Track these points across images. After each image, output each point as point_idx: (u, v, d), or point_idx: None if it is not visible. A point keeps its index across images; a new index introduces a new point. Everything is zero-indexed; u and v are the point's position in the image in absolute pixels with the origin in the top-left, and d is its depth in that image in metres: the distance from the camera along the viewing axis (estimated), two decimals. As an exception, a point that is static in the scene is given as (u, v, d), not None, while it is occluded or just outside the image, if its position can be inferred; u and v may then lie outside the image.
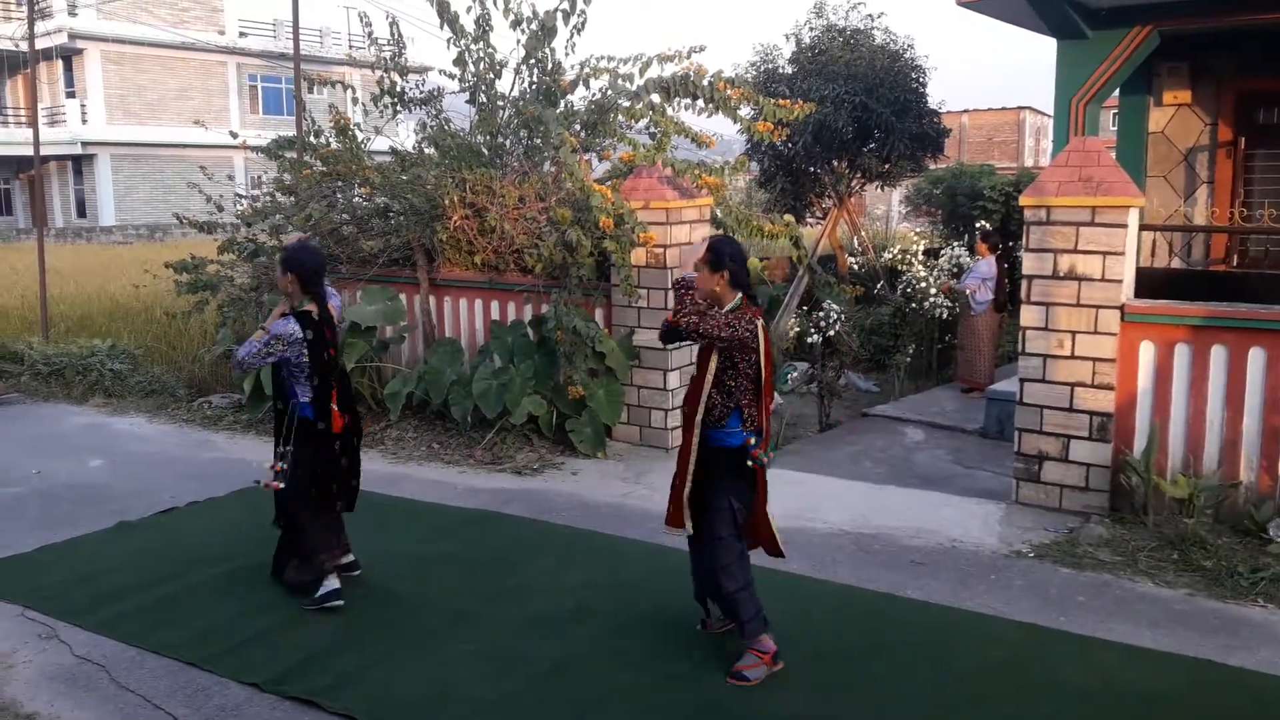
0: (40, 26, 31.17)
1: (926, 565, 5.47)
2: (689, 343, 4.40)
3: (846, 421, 9.25)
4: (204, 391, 9.95)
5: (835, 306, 9.79)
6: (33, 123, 14.69)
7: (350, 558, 5.35)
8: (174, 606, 5.03)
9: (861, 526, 6.08)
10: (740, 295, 4.26)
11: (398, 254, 9.00)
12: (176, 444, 8.41)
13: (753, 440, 4.24)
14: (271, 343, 4.95)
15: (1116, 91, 10.41)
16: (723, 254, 4.22)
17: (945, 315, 10.41)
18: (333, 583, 5.06)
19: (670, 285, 6.27)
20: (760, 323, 4.20)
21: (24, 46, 16.62)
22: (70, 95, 37.87)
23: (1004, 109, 39.37)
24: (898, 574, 5.35)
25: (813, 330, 9.67)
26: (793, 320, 11.14)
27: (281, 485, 5.07)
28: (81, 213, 38.70)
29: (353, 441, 5.30)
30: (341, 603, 5.02)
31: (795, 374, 10.92)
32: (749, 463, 4.24)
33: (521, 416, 7.69)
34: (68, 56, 37.46)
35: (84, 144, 36.76)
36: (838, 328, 9.69)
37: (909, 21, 17.81)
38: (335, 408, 5.12)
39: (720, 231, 8.57)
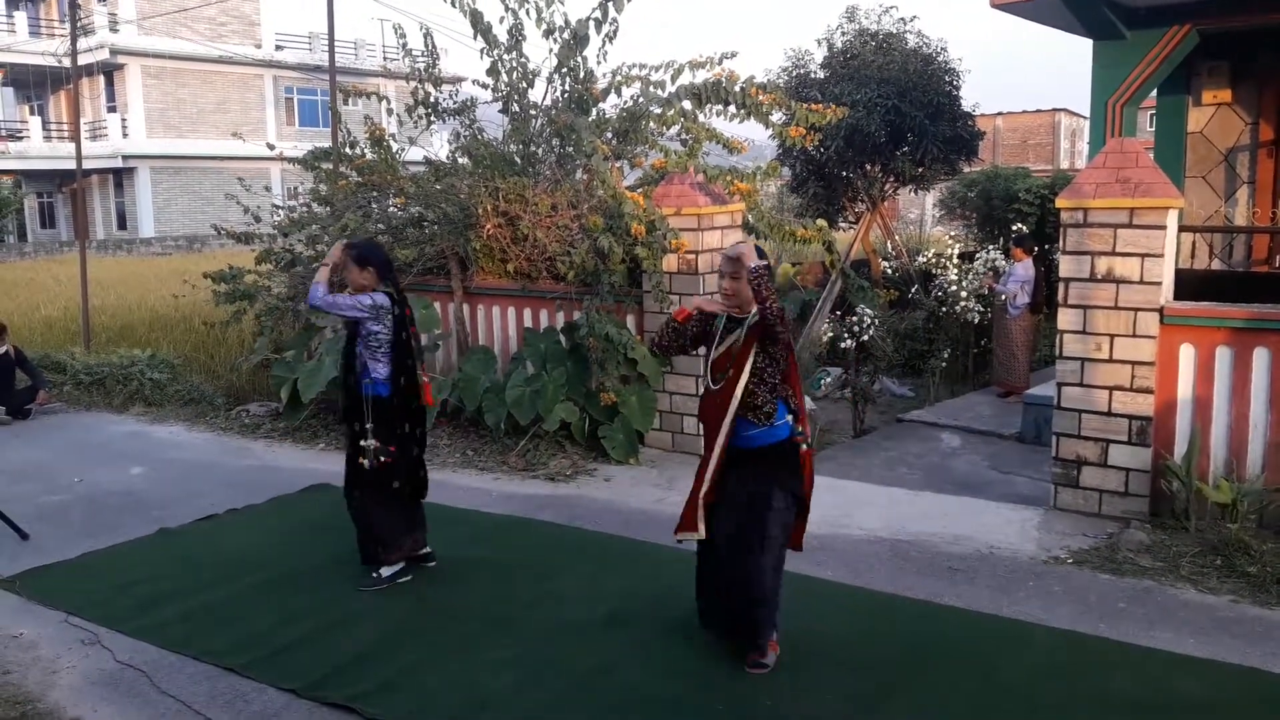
0: (82, 43, 31.73)
1: (964, 572, 5.42)
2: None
3: (881, 427, 9.18)
4: (241, 400, 10.07)
5: (869, 311, 9.73)
6: (75, 137, 14.98)
7: (427, 549, 5.56)
8: (214, 612, 5.09)
9: (898, 533, 6.03)
10: None
11: (432, 263, 9.07)
12: (215, 452, 8.52)
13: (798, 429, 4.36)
14: (370, 307, 5.11)
15: (1154, 92, 10.28)
16: None
17: (977, 320, 10.31)
18: (398, 566, 5.39)
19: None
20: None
21: (67, 62, 16.93)
22: (111, 110, 38.58)
23: (1038, 111, 39.00)
24: (935, 581, 5.30)
25: (846, 335, 9.62)
26: (826, 325, 11.09)
27: (387, 459, 5.19)
28: (122, 225, 39.39)
29: (420, 431, 5.47)
30: (409, 577, 5.40)
31: (829, 379, 10.86)
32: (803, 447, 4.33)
33: (554, 423, 7.72)
34: (109, 72, 38.16)
35: (124, 157, 37.42)
36: (871, 332, 9.64)
37: (942, 24, 17.66)
38: (426, 379, 5.38)
39: (753, 237, 8.56)
